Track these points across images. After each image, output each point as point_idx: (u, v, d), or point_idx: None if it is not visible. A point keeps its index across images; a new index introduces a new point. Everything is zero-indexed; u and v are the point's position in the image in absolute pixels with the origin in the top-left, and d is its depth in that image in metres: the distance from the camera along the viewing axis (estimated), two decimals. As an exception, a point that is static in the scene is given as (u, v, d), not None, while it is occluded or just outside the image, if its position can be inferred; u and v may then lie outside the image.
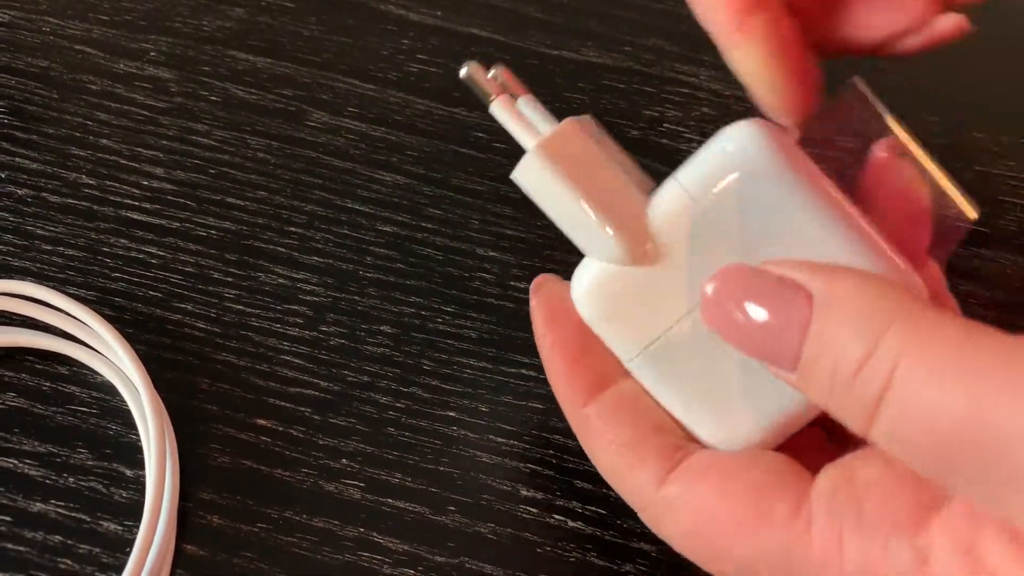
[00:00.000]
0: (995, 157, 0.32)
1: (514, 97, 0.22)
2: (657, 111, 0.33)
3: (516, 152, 0.32)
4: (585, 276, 0.21)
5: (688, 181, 0.20)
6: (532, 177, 0.21)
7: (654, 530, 0.20)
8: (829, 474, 0.19)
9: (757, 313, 0.19)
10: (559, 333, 0.22)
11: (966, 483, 0.17)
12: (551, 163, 0.21)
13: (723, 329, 0.19)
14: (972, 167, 0.32)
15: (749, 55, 0.21)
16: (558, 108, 0.33)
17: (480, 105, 0.33)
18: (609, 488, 0.26)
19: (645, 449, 0.20)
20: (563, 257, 0.30)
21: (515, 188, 0.31)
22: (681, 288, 0.21)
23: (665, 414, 0.21)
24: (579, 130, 0.22)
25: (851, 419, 0.18)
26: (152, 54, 0.34)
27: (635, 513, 0.25)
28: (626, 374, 0.21)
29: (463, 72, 0.22)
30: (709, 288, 0.19)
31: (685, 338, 0.21)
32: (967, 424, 0.16)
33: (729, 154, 0.20)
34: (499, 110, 0.22)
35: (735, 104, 0.33)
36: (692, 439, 0.21)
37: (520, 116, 0.22)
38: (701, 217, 0.20)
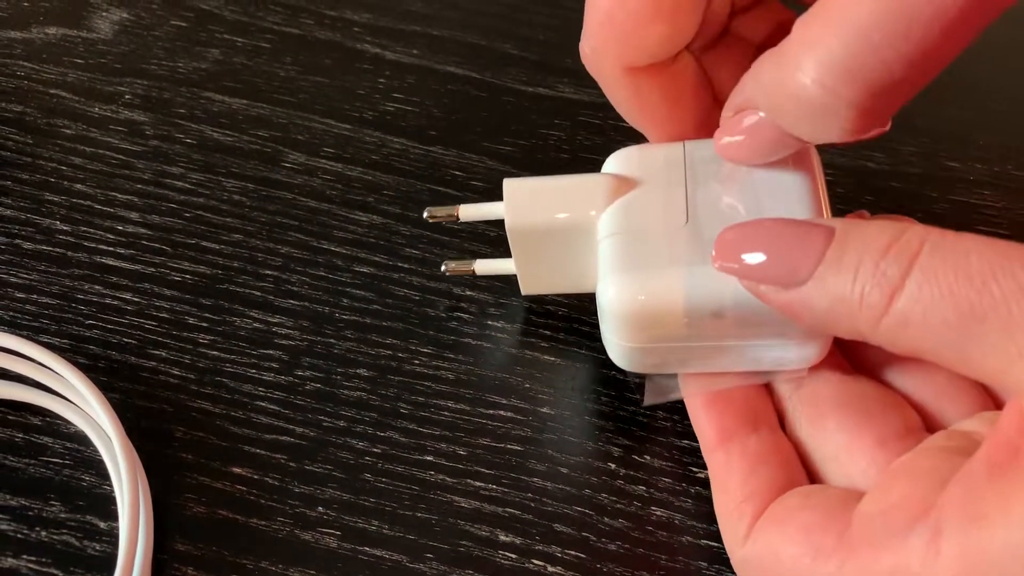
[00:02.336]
0: (970, 186, 0.32)
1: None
2: (634, 146, 0.33)
3: (492, 191, 0.32)
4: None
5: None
6: (517, 200, 0.25)
7: None
8: (867, 499, 0.20)
9: (777, 243, 0.20)
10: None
11: (993, 340, 0.18)
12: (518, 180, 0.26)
13: (741, 265, 0.21)
14: (947, 196, 0.32)
15: None
16: (535, 144, 0.33)
17: (457, 143, 0.33)
18: (588, 531, 0.25)
19: (744, 509, 0.22)
20: (539, 296, 0.30)
21: (492, 226, 0.31)
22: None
23: (775, 466, 0.23)
24: (519, 183, 0.26)
25: (869, 307, 0.19)
26: (127, 97, 0.34)
27: (614, 557, 0.25)
28: (761, 425, 0.24)
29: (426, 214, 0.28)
30: (727, 233, 0.21)
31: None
32: (991, 267, 0.17)
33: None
34: (465, 209, 0.27)
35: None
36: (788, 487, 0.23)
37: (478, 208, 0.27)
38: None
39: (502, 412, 0.28)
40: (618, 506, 0.26)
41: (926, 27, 0.18)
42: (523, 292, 0.28)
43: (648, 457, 0.27)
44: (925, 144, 0.33)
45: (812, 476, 0.24)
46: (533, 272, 0.27)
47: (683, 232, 0.23)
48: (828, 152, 0.33)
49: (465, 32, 0.37)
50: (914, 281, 0.18)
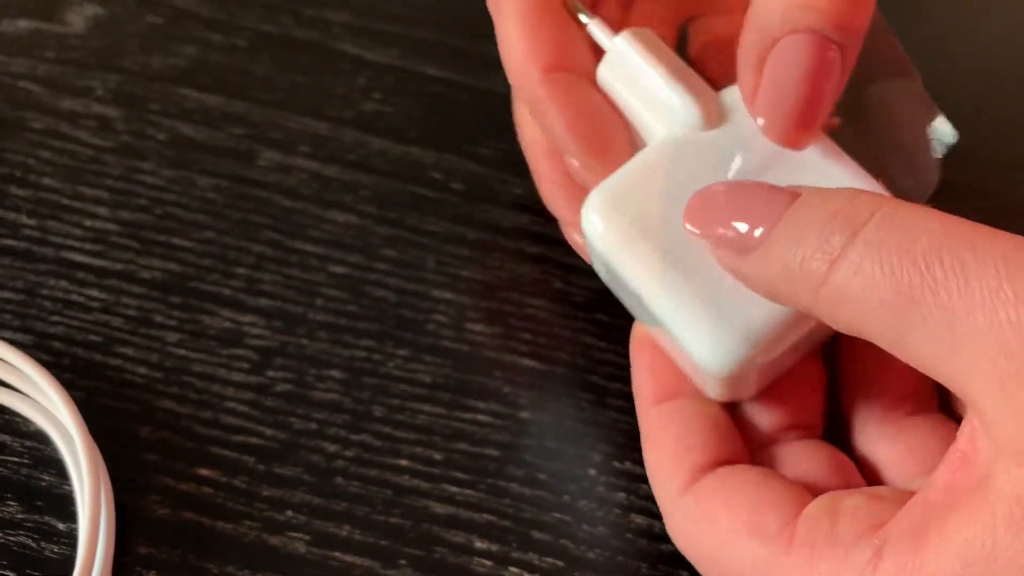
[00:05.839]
0: (954, 202, 0.32)
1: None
2: (616, 151, 0.33)
3: (472, 193, 0.31)
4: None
5: None
6: (622, 57, 0.24)
7: (669, 532, 0.22)
8: (819, 501, 0.20)
9: (740, 205, 0.20)
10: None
11: (932, 326, 0.17)
12: (641, 41, 0.24)
13: (703, 228, 0.20)
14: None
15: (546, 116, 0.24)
16: (516, 147, 0.32)
17: (436, 145, 0.33)
18: (567, 539, 0.25)
19: (682, 460, 0.22)
20: (519, 299, 0.29)
21: (472, 228, 0.31)
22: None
23: (711, 431, 0.22)
24: (627, 53, 0.24)
25: (808, 276, 0.18)
26: (99, 92, 0.34)
27: (594, 565, 0.24)
28: (692, 391, 0.23)
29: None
30: (697, 197, 0.21)
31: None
32: (939, 249, 0.17)
33: None
34: (593, 28, 0.25)
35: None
36: (727, 458, 0.22)
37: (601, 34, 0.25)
38: None
39: (480, 416, 0.27)
40: (597, 513, 0.25)
41: None
42: None
43: (628, 464, 0.26)
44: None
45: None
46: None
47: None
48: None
49: (446, 35, 0.36)
50: (856, 253, 0.18)
